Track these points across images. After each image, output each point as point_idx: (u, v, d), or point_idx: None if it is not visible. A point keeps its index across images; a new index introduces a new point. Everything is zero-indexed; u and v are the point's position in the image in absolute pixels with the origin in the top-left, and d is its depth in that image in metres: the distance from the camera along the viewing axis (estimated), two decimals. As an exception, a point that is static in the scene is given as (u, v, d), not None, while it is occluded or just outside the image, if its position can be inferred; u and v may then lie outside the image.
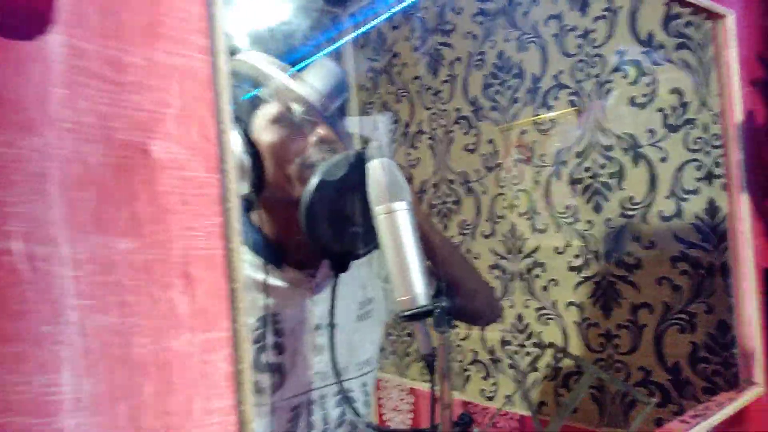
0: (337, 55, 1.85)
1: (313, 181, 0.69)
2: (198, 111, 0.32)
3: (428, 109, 1.58)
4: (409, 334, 1.73)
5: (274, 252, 0.82)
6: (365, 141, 1.87)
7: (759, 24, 0.82)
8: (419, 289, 0.63)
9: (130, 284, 0.30)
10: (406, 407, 1.78)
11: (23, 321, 0.27)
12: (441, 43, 1.52)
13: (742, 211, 0.74)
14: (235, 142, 0.77)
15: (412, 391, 1.73)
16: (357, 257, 0.76)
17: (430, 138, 1.58)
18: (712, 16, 0.78)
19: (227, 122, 0.32)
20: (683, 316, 1.06)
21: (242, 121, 0.81)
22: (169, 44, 0.31)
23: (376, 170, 0.66)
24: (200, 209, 0.32)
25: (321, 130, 0.78)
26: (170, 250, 0.31)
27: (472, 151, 1.46)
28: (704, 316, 1.03)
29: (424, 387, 1.69)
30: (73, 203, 0.28)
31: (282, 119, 0.79)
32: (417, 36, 1.60)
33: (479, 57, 1.42)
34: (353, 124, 1.86)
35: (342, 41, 1.85)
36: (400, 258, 0.64)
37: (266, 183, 0.79)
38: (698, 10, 0.76)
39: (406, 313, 0.63)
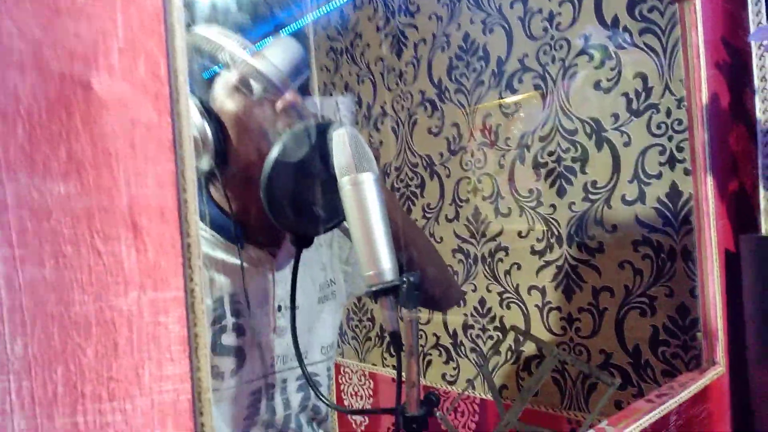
0: (299, 35, 1.80)
1: (274, 152, 0.66)
2: (146, 45, 0.28)
3: (391, 90, 1.55)
4: (370, 319, 1.71)
5: (234, 229, 0.78)
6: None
7: (723, 7, 0.82)
8: (387, 265, 0.61)
9: (69, 233, 0.26)
10: (365, 393, 1.76)
11: (-61, 271, 0.23)
12: (405, 24, 1.50)
13: (707, 192, 0.75)
14: (192, 111, 0.73)
15: (372, 376, 1.72)
16: (321, 232, 0.73)
17: (393, 120, 1.56)
18: (679, -4, 0.78)
19: (181, 61, 0.29)
20: (644, 299, 1.07)
21: (201, 90, 0.76)
22: (115, -34, 0.28)
23: (342, 140, 0.63)
24: (150, 154, 0.28)
25: (288, 96, 0.75)
26: (115, 198, 0.27)
27: (436, 134, 1.44)
28: (665, 299, 1.04)
29: (384, 372, 1.68)
30: (0, 138, 0.24)
31: (245, 86, 0.75)
32: (380, 16, 1.57)
33: (444, 39, 1.40)
34: (315, 104, 1.82)
35: (303, 20, 1.80)
36: (366, 231, 0.61)
37: (229, 156, 0.75)
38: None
39: (373, 289, 0.60)
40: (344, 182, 0.62)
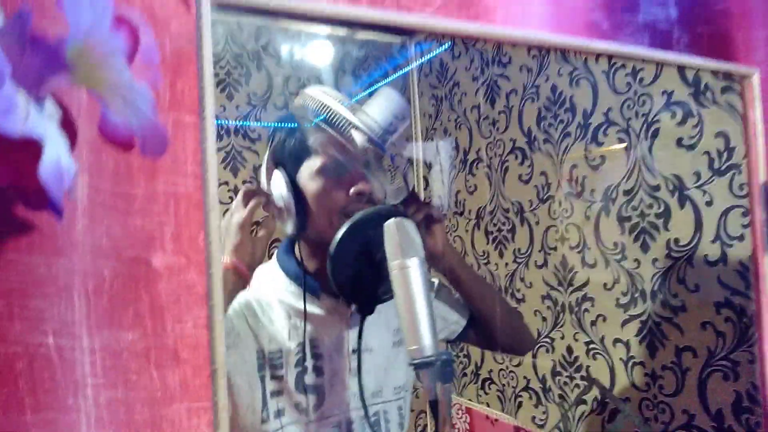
0: (404, 81, 1.93)
1: (339, 234, 0.77)
2: (190, 228, 0.41)
3: (485, 137, 1.62)
4: (466, 356, 1.78)
5: (312, 283, 0.91)
6: (428, 166, 1.93)
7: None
8: (427, 341, 0.70)
9: (134, 366, 0.39)
10: (462, 426, 1.82)
11: (54, 395, 0.37)
12: (498, 75, 1.56)
13: (765, 271, 0.75)
14: (280, 185, 0.86)
15: (468, 411, 1.78)
16: (382, 301, 0.83)
17: (487, 166, 1.62)
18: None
19: (215, 235, 0.41)
20: (726, 363, 1.04)
21: (290, 168, 0.89)
22: (168, 175, 0.40)
23: (391, 230, 0.73)
24: (189, 305, 0.40)
25: (360, 184, 0.86)
26: (164, 339, 0.40)
27: (526, 181, 1.49)
28: (748, 365, 1.01)
29: (479, 408, 1.73)
30: (91, 307, 0.38)
31: (326, 171, 0.87)
32: (476, 66, 1.65)
33: (533, 90, 1.44)
34: (417, 149, 1.94)
35: (407, 68, 1.93)
36: (410, 311, 0.70)
37: (308, 224, 0.87)
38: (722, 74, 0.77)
39: (415, 362, 0.69)
40: (392, 266, 0.72)
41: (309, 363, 0.89)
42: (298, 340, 0.89)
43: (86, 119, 0.34)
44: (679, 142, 1.11)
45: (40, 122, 0.22)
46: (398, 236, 0.72)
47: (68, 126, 0.29)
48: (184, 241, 0.40)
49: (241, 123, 1.66)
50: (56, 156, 0.23)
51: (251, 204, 0.80)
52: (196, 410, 0.40)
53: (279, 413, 0.88)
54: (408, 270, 0.71)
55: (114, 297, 0.38)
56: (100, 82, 0.26)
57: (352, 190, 0.86)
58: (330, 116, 0.86)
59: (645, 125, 1.17)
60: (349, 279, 0.79)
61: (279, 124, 0.94)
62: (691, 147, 1.09)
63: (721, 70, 0.73)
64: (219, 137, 1.61)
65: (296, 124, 0.90)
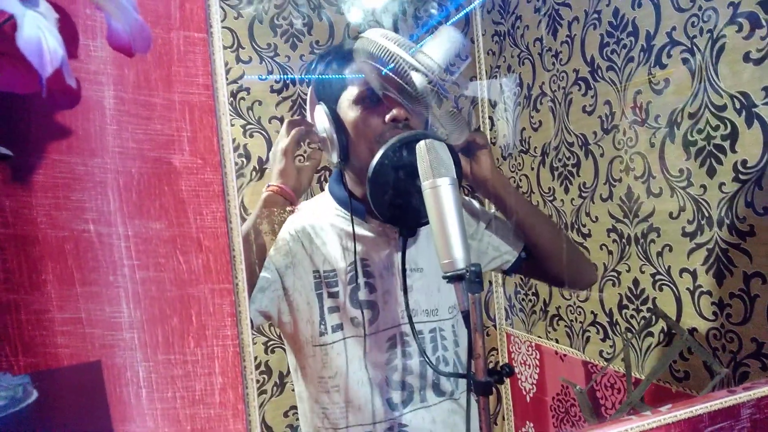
0: (466, 20, 1.90)
1: (375, 160, 0.81)
2: (204, 132, 0.46)
3: (548, 70, 1.58)
4: (535, 294, 1.78)
5: (358, 206, 0.96)
6: (493, 104, 1.92)
7: None
8: (458, 255, 0.72)
9: (163, 251, 0.45)
10: (533, 362, 1.84)
11: (97, 273, 0.44)
12: (559, 3, 1.51)
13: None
14: (322, 117, 0.91)
15: (538, 347, 1.79)
16: (422, 224, 0.86)
17: (551, 100, 1.59)
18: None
19: (226, 138, 0.46)
20: (797, 286, 0.99)
21: (331, 100, 0.94)
22: (182, 86, 0.45)
23: (422, 151, 0.76)
24: (208, 200, 0.46)
25: (395, 110, 0.89)
26: (187, 228, 0.46)
27: (590, 113, 1.44)
28: (819, 287, 0.96)
29: (548, 344, 1.74)
30: (123, 199, 0.44)
31: (362, 100, 0.91)
32: (538, -2, 1.59)
33: (595, 15, 1.39)
34: (481, 88, 1.92)
35: (470, 6, 1.90)
36: (442, 227, 0.74)
37: (350, 153, 0.92)
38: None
39: (447, 275, 0.73)
40: (424, 186, 0.75)
41: (361, 281, 0.95)
42: (350, 259, 0.94)
43: (96, 35, 0.40)
44: (746, 56, 1.04)
45: (14, 3, 0.27)
46: (428, 156, 0.75)
47: (67, 28, 0.35)
48: (199, 143, 0.46)
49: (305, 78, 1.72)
50: (36, 33, 0.28)
51: (293, 132, 0.86)
52: (219, 291, 0.46)
53: (337, 327, 0.94)
54: (439, 189, 0.74)
55: (142, 191, 0.44)
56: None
57: (387, 117, 0.88)
58: (389, 59, 0.88)
59: (710, 42, 1.10)
60: (387, 202, 0.83)
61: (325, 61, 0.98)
62: (760, 60, 1.02)
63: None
64: (285, 87, 1.68)
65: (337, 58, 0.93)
